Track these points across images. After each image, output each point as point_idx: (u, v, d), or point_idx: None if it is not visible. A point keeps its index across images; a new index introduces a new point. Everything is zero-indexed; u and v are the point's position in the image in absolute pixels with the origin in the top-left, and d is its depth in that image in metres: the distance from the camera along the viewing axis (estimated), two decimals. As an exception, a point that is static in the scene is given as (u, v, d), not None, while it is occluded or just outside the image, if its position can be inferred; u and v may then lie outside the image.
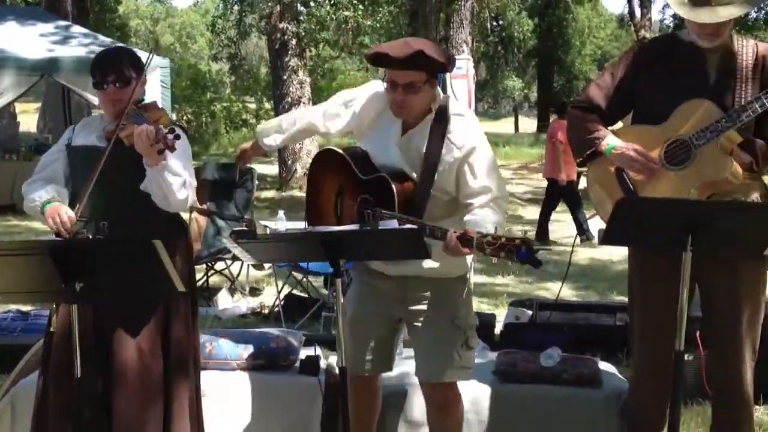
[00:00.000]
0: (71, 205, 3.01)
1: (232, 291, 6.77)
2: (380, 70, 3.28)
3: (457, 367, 3.07)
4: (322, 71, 23.43)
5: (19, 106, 21.40)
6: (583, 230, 9.74)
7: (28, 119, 22.51)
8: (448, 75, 12.76)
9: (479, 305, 6.55)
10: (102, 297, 2.68)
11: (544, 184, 10.77)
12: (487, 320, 5.06)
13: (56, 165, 3.15)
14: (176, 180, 2.90)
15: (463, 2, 12.78)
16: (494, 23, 27.11)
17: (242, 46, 22.43)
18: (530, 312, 5.41)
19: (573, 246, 3.49)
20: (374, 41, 18.97)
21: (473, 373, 3.35)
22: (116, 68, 3.01)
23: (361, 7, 14.66)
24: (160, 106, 3.20)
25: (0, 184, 12.14)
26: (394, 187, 2.87)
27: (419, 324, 3.09)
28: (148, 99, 3.24)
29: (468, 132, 2.96)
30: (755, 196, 3.05)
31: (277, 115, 15.05)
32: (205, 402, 3.64)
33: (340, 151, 3.13)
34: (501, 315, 5.69)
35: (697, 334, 3.15)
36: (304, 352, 3.80)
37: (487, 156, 2.97)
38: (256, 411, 3.61)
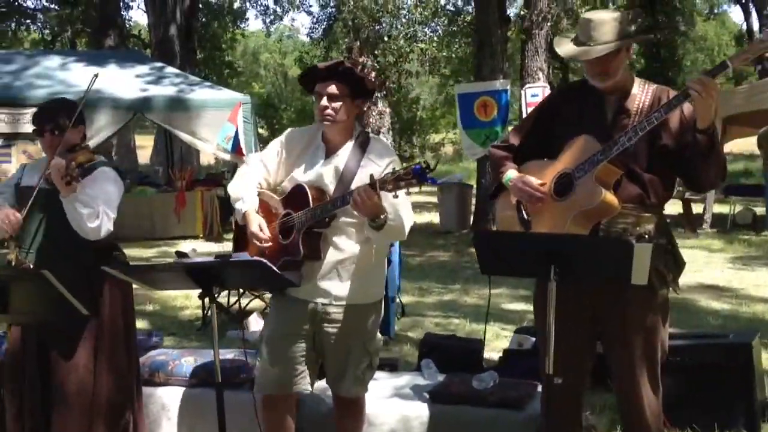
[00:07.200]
0: (18, 240, 3.43)
1: (265, 314, 7.12)
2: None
3: (361, 384, 3.46)
4: (405, 102, 23.92)
5: (138, 140, 22.94)
6: None
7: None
8: (523, 102, 12.89)
9: (498, 330, 6.63)
10: (20, 321, 3.13)
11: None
12: (472, 346, 5.13)
13: (2, 199, 3.54)
14: (86, 210, 3.27)
15: (537, 31, 12.87)
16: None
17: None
18: (534, 339, 5.47)
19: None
20: (453, 72, 19.40)
21: (407, 393, 3.68)
22: (52, 119, 3.40)
23: (435, 39, 15.10)
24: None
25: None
26: (306, 187, 3.24)
27: (331, 345, 3.37)
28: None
29: (386, 149, 3.40)
30: (649, 228, 3.16)
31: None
32: (165, 415, 4.05)
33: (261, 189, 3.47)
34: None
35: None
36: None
37: None
38: (209, 425, 3.94)
